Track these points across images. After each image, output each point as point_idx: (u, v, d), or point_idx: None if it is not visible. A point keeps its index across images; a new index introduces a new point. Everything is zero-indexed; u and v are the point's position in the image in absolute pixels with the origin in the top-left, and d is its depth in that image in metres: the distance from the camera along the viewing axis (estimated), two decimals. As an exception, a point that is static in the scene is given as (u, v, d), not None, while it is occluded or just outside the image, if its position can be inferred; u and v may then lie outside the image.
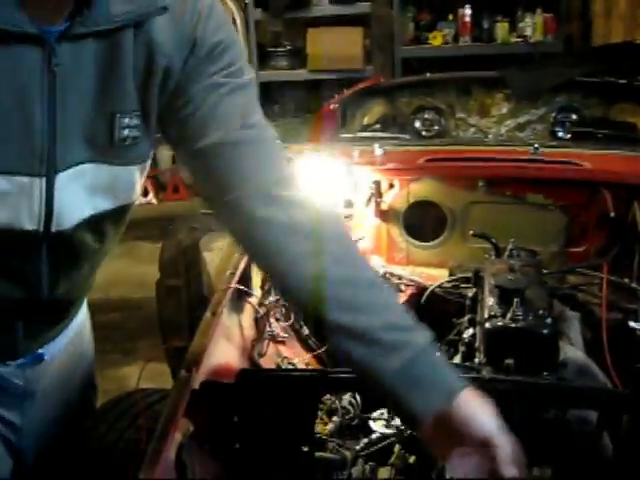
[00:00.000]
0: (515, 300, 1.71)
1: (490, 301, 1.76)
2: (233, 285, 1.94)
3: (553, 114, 4.00)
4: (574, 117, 3.95)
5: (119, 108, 1.24)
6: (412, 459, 1.76)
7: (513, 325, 1.63)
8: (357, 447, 1.87)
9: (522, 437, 1.63)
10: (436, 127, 4.00)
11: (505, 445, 1.19)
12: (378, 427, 1.89)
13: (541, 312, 1.70)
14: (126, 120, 1.24)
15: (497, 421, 1.22)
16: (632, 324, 2.10)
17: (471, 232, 2.22)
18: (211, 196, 1.34)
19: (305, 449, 1.56)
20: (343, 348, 1.26)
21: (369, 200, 2.44)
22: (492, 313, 1.70)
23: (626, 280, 2.16)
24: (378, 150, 2.48)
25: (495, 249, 2.09)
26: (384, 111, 3.98)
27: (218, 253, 2.07)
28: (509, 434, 1.21)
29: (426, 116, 4.07)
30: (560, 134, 3.62)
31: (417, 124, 4.02)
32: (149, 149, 1.33)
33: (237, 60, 1.30)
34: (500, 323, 1.65)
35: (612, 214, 2.27)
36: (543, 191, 2.37)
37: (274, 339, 2.11)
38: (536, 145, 2.41)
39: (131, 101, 1.24)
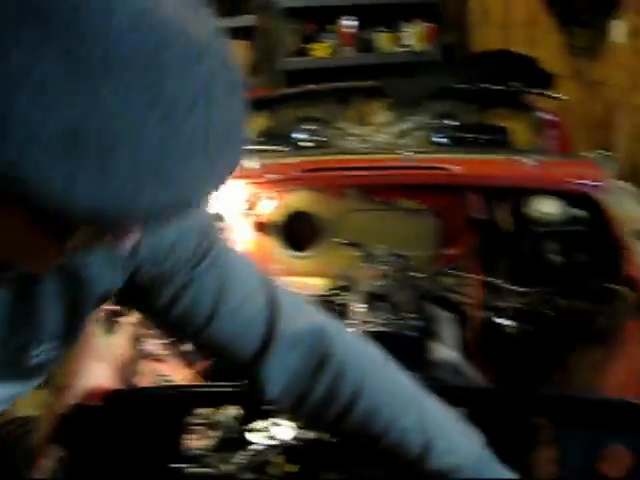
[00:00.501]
0: (382, 304, 1.75)
1: (359, 307, 1.79)
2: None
3: (431, 121, 4.11)
4: (451, 123, 4.07)
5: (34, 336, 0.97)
6: (291, 469, 1.77)
7: (382, 329, 1.67)
8: (237, 460, 1.87)
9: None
10: (318, 138, 4.05)
11: None
12: (257, 439, 1.89)
13: (410, 315, 1.74)
14: (42, 347, 0.98)
15: None
16: (500, 321, 2.18)
17: (339, 241, 2.26)
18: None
19: (174, 466, 1.55)
20: None
21: (245, 213, 2.45)
22: (361, 319, 1.73)
23: (494, 279, 2.24)
24: (253, 163, 2.49)
25: (367, 256, 2.13)
26: (266, 123, 4.00)
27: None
28: None
29: (307, 127, 4.12)
30: (438, 140, 3.71)
31: (299, 135, 4.06)
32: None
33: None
34: (369, 328, 1.68)
35: (479, 216, 2.34)
36: (414, 196, 2.43)
37: (151, 357, 2.08)
38: (406, 152, 2.46)
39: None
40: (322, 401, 1.12)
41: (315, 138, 3.97)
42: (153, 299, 1.04)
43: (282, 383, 1.12)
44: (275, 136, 3.79)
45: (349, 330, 1.19)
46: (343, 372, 1.11)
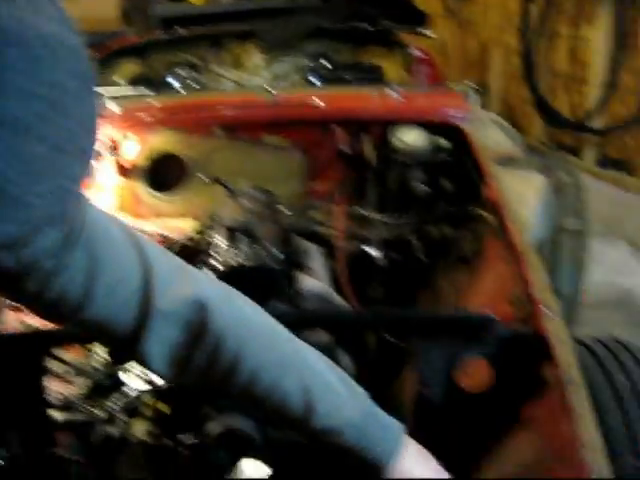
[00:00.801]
0: (242, 238, 1.74)
1: (221, 242, 1.78)
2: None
3: (305, 61, 4.10)
4: (325, 64, 4.06)
5: None
6: (163, 407, 1.77)
7: (240, 263, 1.66)
8: (110, 405, 1.85)
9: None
10: (192, 83, 3.98)
11: None
12: (130, 381, 1.88)
13: (269, 247, 1.74)
14: None
15: None
16: (369, 250, 2.21)
17: (206, 179, 2.23)
18: None
19: (39, 410, 1.52)
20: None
21: (108, 157, 2.39)
22: (222, 254, 1.72)
23: (362, 211, 2.27)
24: (114, 107, 2.42)
25: (229, 192, 2.11)
26: (137, 71, 3.90)
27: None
28: None
29: (180, 72, 4.04)
30: (313, 81, 3.70)
31: (172, 81, 3.98)
32: None
33: None
34: (229, 262, 1.67)
35: (345, 149, 2.36)
36: (280, 133, 2.41)
37: (15, 308, 2.02)
38: (271, 90, 2.44)
39: None
40: (203, 371, 1.12)
41: (189, 84, 3.91)
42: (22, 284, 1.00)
43: (162, 357, 1.10)
44: (148, 82, 3.70)
45: (227, 291, 1.17)
46: (222, 341, 1.10)
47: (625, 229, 4.64)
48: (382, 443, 1.16)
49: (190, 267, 1.15)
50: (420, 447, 1.21)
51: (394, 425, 1.19)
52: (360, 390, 1.21)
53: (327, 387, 1.16)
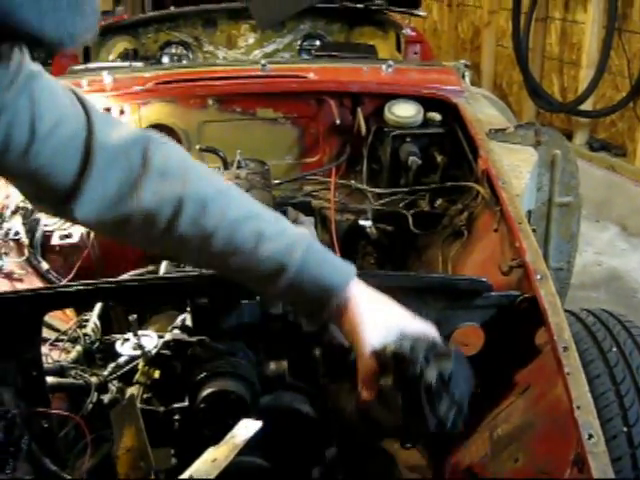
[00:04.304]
0: None
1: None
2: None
3: (298, 42, 4.10)
4: (318, 43, 4.07)
5: None
6: (157, 374, 1.77)
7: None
8: (104, 372, 1.86)
9: (254, 334, 1.70)
10: (184, 61, 3.98)
11: (364, 367, 1.22)
12: (123, 349, 1.88)
13: None
14: None
15: (379, 330, 1.22)
16: (361, 222, 2.21)
17: (198, 147, 2.22)
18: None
19: (34, 374, 1.52)
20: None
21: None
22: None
23: (354, 182, 2.27)
24: (107, 77, 2.40)
25: (223, 162, 2.10)
26: (129, 47, 3.89)
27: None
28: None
29: (173, 51, 4.04)
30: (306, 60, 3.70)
31: (165, 59, 3.97)
32: None
33: None
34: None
35: (338, 122, 2.36)
36: (272, 105, 2.41)
37: (9, 277, 2.02)
38: (263, 62, 2.44)
39: None
40: (149, 212, 1.16)
41: (182, 62, 3.90)
42: None
43: (100, 202, 1.15)
44: (141, 59, 3.70)
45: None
46: (164, 179, 1.16)
47: (614, 211, 4.67)
48: (336, 271, 1.23)
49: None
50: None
51: (346, 264, 1.26)
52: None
53: (273, 217, 1.24)
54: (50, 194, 1.14)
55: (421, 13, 4.46)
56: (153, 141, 1.19)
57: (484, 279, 1.57)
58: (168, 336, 1.73)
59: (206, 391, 1.58)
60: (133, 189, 1.15)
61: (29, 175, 1.12)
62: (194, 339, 1.68)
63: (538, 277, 1.56)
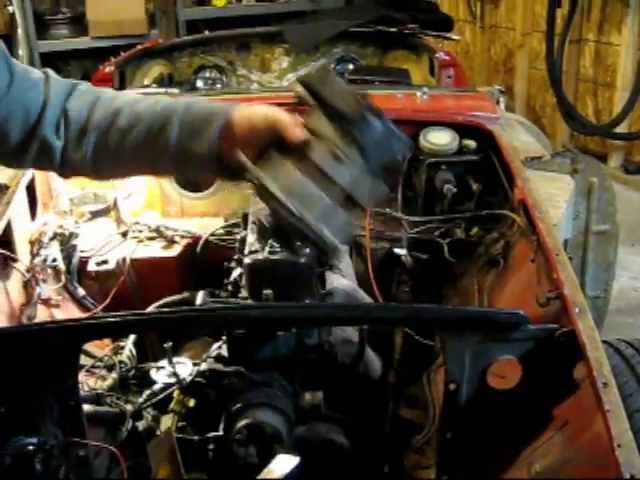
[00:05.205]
0: (273, 236, 1.74)
1: (251, 238, 1.78)
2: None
3: (332, 65, 4.11)
4: (351, 67, 4.07)
5: None
6: (191, 403, 1.78)
7: (270, 257, 1.66)
8: (139, 399, 1.87)
9: (290, 365, 1.70)
10: (218, 85, 4.01)
11: (285, 116, 1.34)
12: (158, 376, 1.89)
13: (300, 246, 1.74)
14: None
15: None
16: (396, 250, 2.21)
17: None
18: None
19: (72, 403, 1.52)
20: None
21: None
22: (252, 249, 1.72)
23: (389, 210, 2.27)
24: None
25: (260, 191, 2.10)
26: (164, 72, 3.93)
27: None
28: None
29: (207, 75, 4.07)
30: (339, 84, 3.70)
31: (199, 83, 4.00)
32: None
33: None
34: (258, 257, 1.67)
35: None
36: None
37: (46, 303, 2.05)
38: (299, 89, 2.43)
39: None
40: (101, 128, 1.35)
41: (216, 86, 3.93)
42: None
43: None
44: (175, 83, 3.73)
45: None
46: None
47: (651, 235, 4.61)
48: (218, 105, 1.38)
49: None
50: None
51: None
52: None
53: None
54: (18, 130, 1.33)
55: (455, 37, 4.46)
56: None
57: (521, 312, 1.55)
58: (204, 365, 1.74)
59: (241, 422, 1.58)
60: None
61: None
62: (230, 369, 1.68)
63: (577, 310, 1.55)
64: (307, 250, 1.69)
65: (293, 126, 1.32)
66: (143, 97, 1.43)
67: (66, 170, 1.41)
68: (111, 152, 1.37)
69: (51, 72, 1.40)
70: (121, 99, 1.39)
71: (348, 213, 1.33)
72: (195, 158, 1.35)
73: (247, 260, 1.68)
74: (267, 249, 1.68)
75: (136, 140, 1.35)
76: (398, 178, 1.32)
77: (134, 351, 2.00)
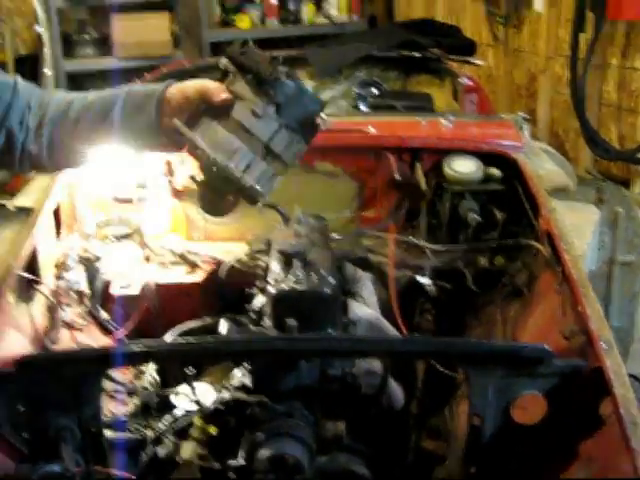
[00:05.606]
0: (296, 263, 1.74)
1: (275, 267, 1.78)
2: (19, 273, 1.86)
3: (355, 89, 4.11)
4: (374, 91, 4.07)
5: None
6: (212, 430, 1.77)
7: (294, 287, 1.66)
8: (160, 424, 1.87)
9: (313, 395, 1.69)
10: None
11: (212, 84, 1.48)
12: (180, 402, 1.89)
13: (322, 273, 1.74)
14: None
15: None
16: (420, 279, 2.20)
17: (260, 204, 2.23)
18: None
19: (93, 430, 1.53)
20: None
21: (162, 180, 2.41)
22: (276, 278, 1.72)
23: (412, 238, 2.26)
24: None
25: (283, 218, 2.11)
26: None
27: (2, 244, 1.98)
28: None
29: (231, 97, 4.08)
30: (362, 108, 3.71)
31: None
32: None
33: None
34: (282, 286, 1.68)
35: (397, 177, 2.35)
36: (331, 159, 2.41)
37: (69, 326, 2.05)
38: (323, 116, 2.44)
39: None
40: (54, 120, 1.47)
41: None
42: None
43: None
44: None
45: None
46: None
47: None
48: (156, 86, 1.49)
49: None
50: None
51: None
52: None
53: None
54: None
55: (479, 62, 4.46)
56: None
57: (547, 347, 1.54)
58: (226, 394, 1.74)
59: (264, 453, 1.58)
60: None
61: None
62: (252, 399, 1.68)
63: (604, 346, 1.53)
64: (332, 280, 1.69)
65: (219, 91, 1.46)
66: (95, 92, 1.55)
67: (24, 163, 1.52)
68: (64, 141, 1.50)
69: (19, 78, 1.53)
70: (74, 94, 1.54)
71: (270, 165, 1.51)
72: (139, 133, 1.49)
73: (272, 290, 1.69)
74: (292, 278, 1.68)
75: (85, 126, 1.49)
76: (314, 135, 1.46)
77: (156, 376, 2.00)
